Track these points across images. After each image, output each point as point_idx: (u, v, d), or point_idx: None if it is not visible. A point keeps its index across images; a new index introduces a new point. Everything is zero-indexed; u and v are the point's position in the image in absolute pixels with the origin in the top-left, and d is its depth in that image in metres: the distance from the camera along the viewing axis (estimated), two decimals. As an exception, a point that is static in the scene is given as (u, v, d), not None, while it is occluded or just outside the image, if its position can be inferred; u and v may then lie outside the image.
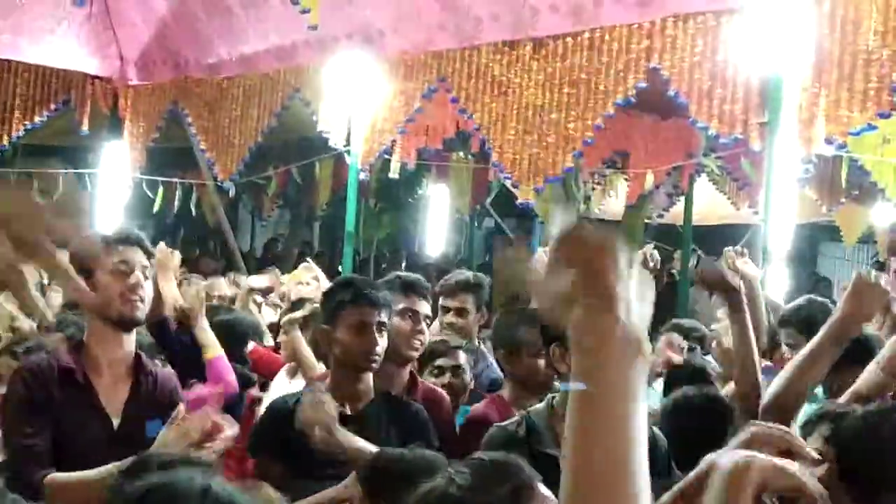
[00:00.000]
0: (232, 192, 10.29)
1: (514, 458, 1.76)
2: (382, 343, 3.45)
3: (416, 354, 3.95)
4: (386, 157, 9.11)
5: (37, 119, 9.88)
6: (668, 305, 9.50)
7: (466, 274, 5.37)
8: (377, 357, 3.44)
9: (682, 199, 11.40)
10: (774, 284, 6.02)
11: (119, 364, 3.25)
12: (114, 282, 3.18)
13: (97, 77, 10.09)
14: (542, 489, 1.70)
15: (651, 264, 5.20)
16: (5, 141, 9.81)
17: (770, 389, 3.05)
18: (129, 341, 3.29)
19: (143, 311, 3.26)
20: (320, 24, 7.80)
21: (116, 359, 3.25)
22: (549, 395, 3.06)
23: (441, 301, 5.02)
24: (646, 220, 11.84)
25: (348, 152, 8.52)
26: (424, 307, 3.93)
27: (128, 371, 3.27)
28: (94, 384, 3.20)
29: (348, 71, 8.15)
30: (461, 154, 12.65)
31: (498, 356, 4.04)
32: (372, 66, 8.12)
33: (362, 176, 8.61)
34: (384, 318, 3.47)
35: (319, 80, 8.50)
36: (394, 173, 9.78)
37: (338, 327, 3.43)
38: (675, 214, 11.68)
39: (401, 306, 3.80)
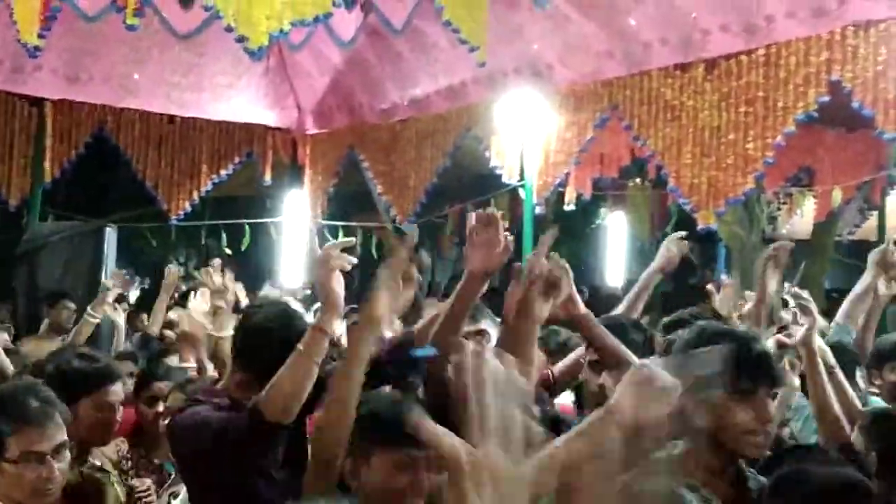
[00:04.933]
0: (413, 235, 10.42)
1: None
2: None
3: None
4: (561, 189, 9.06)
5: (223, 172, 10.29)
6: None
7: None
8: None
9: (875, 213, 10.91)
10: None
11: None
12: None
13: (277, 128, 10.44)
14: None
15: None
16: (195, 196, 10.23)
17: None
18: None
19: None
20: (488, 61, 7.84)
21: None
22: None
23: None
24: (836, 237, 11.37)
25: (522, 186, 8.51)
26: None
27: None
28: None
29: (518, 106, 8.16)
30: (638, 181, 12.48)
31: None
32: (542, 100, 8.11)
33: (538, 209, 8.58)
34: None
35: (490, 117, 8.55)
36: (569, 205, 9.72)
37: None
38: (869, 229, 11.18)
39: None
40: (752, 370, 2.57)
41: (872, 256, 4.74)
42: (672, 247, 4.48)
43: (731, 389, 2.54)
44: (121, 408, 3.58)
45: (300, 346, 2.81)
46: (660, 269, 4.51)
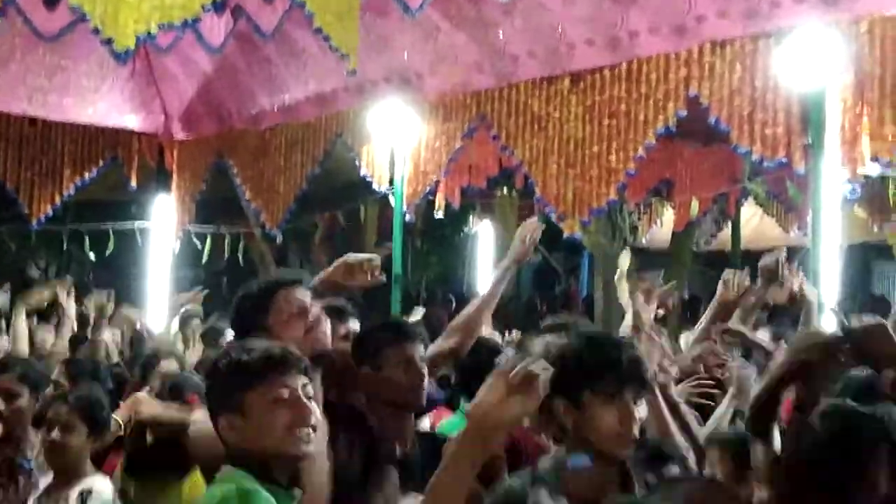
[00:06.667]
0: (279, 240, 10.37)
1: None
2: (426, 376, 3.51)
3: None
4: (430, 197, 9.15)
5: (86, 176, 10.04)
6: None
7: None
8: (424, 391, 3.50)
9: (730, 224, 11.34)
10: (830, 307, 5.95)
11: None
12: None
13: (143, 133, 10.25)
14: None
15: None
16: (57, 200, 9.97)
17: None
18: None
19: None
20: (359, 70, 7.89)
21: None
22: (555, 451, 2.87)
23: None
24: (693, 247, 11.78)
25: (392, 194, 8.57)
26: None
27: None
28: None
29: (389, 114, 8.22)
30: (505, 191, 12.69)
31: None
32: (412, 109, 8.19)
33: (407, 217, 8.65)
34: (423, 352, 3.53)
35: (361, 125, 8.59)
36: (439, 212, 9.82)
37: (383, 367, 3.44)
38: (724, 240, 11.61)
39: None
40: (619, 373, 2.63)
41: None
42: (525, 234, 4.23)
43: (598, 390, 2.62)
44: None
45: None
46: (516, 260, 4.22)
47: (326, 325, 3.22)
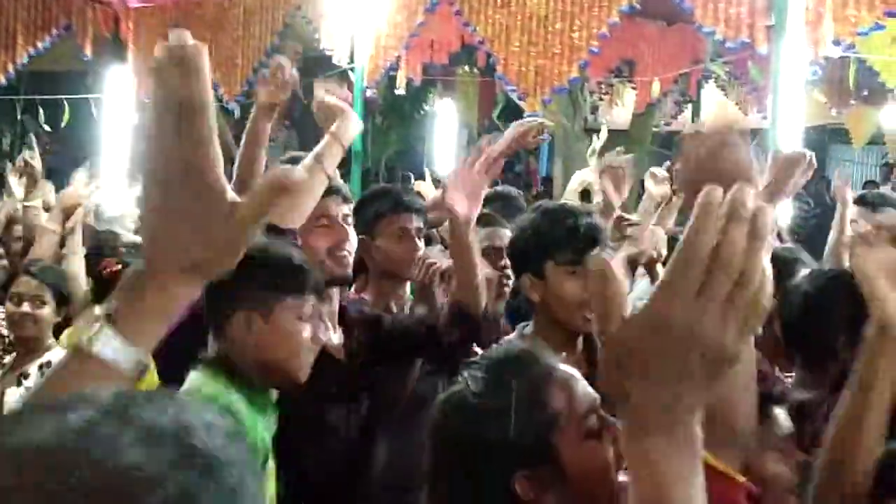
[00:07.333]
0: (237, 114, 10.25)
1: (527, 350, 1.70)
2: (422, 249, 3.38)
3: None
4: (391, 73, 9.07)
5: (39, 45, 9.81)
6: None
7: None
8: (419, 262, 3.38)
9: (690, 105, 11.35)
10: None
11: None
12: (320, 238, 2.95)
13: (97, 1, 9.99)
14: (564, 369, 1.63)
15: None
16: (10, 68, 9.75)
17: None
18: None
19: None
20: (320, -60, 7.74)
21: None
22: (521, 325, 2.94)
23: None
24: (653, 129, 11.80)
25: (352, 69, 8.48)
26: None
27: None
28: None
29: (349, -14, 8.08)
30: (467, 68, 12.59)
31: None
32: (373, -19, 8.05)
33: (368, 93, 8.57)
34: (422, 224, 3.41)
35: (320, -4, 8.44)
36: (400, 89, 9.74)
37: (377, 237, 3.36)
38: (684, 122, 11.63)
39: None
40: (579, 242, 2.66)
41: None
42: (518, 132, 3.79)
43: (559, 261, 2.67)
44: None
45: (317, 153, 2.88)
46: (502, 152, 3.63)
47: (351, 244, 3.01)
